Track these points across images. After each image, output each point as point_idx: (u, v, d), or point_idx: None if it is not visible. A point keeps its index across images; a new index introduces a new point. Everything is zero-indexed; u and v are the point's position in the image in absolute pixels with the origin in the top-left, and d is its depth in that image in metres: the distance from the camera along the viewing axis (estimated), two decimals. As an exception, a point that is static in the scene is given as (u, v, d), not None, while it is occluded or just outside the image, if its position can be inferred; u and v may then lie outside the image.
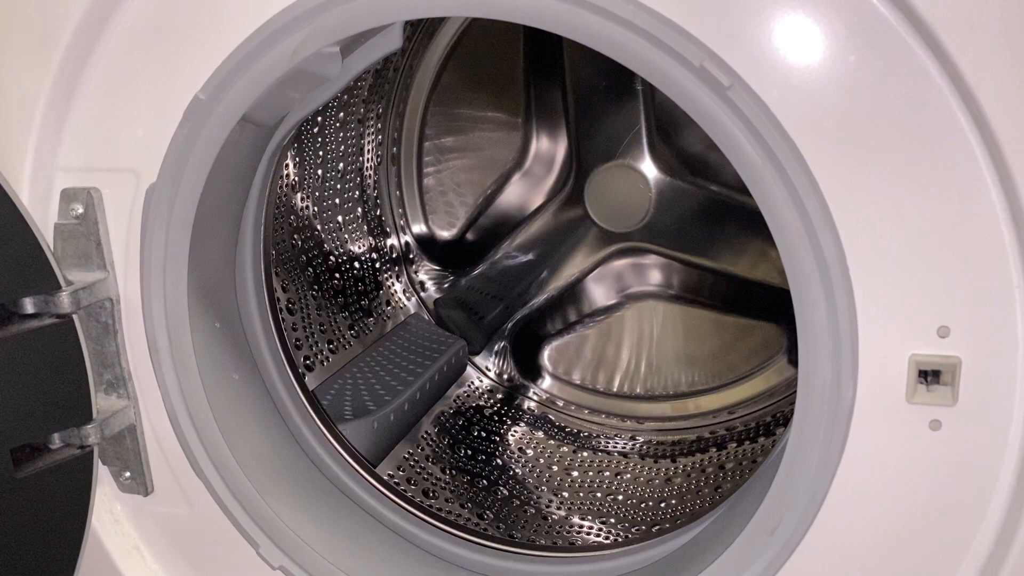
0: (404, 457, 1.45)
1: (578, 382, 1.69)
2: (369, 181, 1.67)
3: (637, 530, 1.29)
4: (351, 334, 1.56)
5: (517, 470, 1.49)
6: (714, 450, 1.48)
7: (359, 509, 1.04)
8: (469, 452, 1.51)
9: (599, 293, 1.74)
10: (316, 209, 1.51)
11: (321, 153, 1.50)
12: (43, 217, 0.88)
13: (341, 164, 1.57)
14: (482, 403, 1.64)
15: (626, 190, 1.61)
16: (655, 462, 1.50)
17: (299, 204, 1.46)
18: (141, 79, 0.85)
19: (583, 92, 1.63)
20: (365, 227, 1.67)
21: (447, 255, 1.79)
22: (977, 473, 0.69)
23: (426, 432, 1.52)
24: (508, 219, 1.74)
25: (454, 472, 1.44)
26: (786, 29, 0.66)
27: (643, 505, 1.36)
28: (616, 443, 1.57)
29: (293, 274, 1.43)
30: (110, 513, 0.97)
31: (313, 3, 0.76)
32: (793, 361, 1.51)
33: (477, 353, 1.68)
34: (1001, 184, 0.64)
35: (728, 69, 0.67)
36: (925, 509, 0.71)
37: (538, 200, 1.73)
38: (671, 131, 1.59)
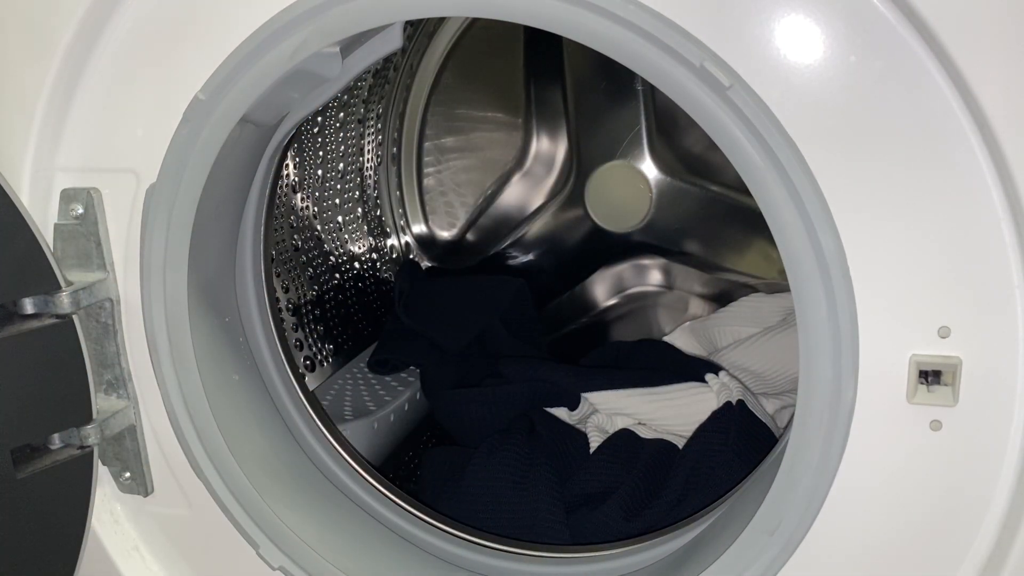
0: (405, 458, 1.46)
1: (578, 382, 1.69)
2: (369, 181, 1.67)
3: (637, 530, 1.29)
4: (351, 334, 1.56)
5: (517, 470, 1.48)
6: (714, 450, 1.48)
7: (359, 509, 1.04)
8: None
9: (599, 293, 1.74)
10: (316, 209, 1.51)
11: (321, 153, 1.50)
12: (43, 217, 0.88)
13: (341, 164, 1.57)
14: (482, 403, 1.64)
15: (626, 190, 1.61)
16: (655, 462, 1.50)
17: (299, 204, 1.46)
18: (141, 79, 0.85)
19: (583, 92, 1.63)
20: (365, 227, 1.67)
21: (447, 255, 1.79)
22: (978, 473, 0.69)
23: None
24: (508, 219, 1.75)
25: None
26: (787, 29, 0.66)
27: (643, 505, 1.36)
28: (616, 443, 1.57)
29: (293, 274, 1.43)
30: (110, 513, 0.97)
31: (313, 3, 0.76)
32: (793, 361, 1.51)
33: (477, 353, 1.68)
34: (1001, 184, 0.64)
35: (728, 69, 0.67)
36: (926, 509, 0.71)
37: (538, 200, 1.73)
38: (671, 131, 1.59)
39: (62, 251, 0.88)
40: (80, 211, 0.87)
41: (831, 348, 0.69)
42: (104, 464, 0.94)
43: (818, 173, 0.66)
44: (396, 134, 1.71)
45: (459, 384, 1.46)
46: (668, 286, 1.70)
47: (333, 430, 1.08)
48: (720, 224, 1.60)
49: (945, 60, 0.63)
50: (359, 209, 1.64)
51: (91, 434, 0.89)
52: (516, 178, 1.72)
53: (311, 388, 1.22)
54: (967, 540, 0.70)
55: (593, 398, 1.34)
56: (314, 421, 1.06)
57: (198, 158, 0.83)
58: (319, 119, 1.47)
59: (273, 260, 1.36)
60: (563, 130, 1.67)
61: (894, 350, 0.68)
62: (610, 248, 1.68)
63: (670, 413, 1.29)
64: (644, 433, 1.30)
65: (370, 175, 1.67)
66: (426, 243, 1.78)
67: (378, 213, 1.71)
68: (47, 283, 0.85)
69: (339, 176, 1.56)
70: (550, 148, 1.70)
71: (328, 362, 1.47)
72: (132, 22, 0.84)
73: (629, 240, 1.65)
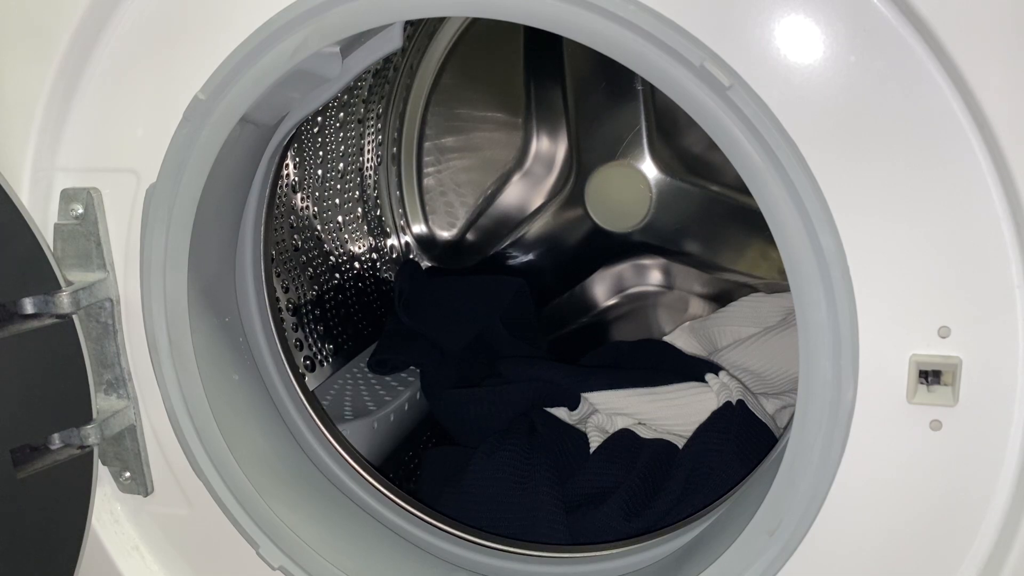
0: (405, 458, 1.46)
1: (578, 382, 1.69)
2: (369, 181, 1.67)
3: (637, 530, 1.29)
4: (351, 334, 1.56)
5: (517, 470, 1.48)
6: (714, 450, 1.48)
7: (359, 509, 1.04)
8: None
9: (599, 293, 1.74)
10: (316, 209, 1.51)
11: (321, 153, 1.50)
12: (43, 217, 0.88)
13: (341, 164, 1.57)
14: (482, 403, 1.64)
15: (626, 190, 1.61)
16: (655, 462, 1.50)
17: (299, 204, 1.46)
18: (141, 79, 0.85)
19: (583, 92, 1.63)
20: (365, 227, 1.67)
21: (447, 255, 1.79)
22: (978, 473, 0.69)
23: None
24: (508, 219, 1.75)
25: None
26: (787, 29, 0.66)
27: (643, 505, 1.36)
28: (616, 443, 1.56)
29: (293, 274, 1.43)
30: (110, 513, 0.97)
31: (313, 3, 0.76)
32: (793, 361, 1.51)
33: (477, 353, 1.68)
34: (1001, 184, 0.64)
35: (728, 69, 0.67)
36: (926, 509, 0.71)
37: (538, 200, 1.73)
38: (671, 131, 1.59)
39: (62, 251, 0.88)
40: (80, 211, 0.87)
41: (831, 348, 0.69)
42: (104, 464, 0.94)
43: (818, 173, 0.66)
44: (396, 134, 1.71)
45: (459, 384, 1.46)
46: (668, 286, 1.70)
47: (333, 430, 1.08)
48: (720, 224, 1.60)
49: (945, 60, 0.63)
50: (359, 209, 1.65)
51: (91, 434, 0.89)
52: (516, 178, 1.72)
53: (311, 388, 1.22)
54: (967, 540, 0.70)
55: (593, 398, 1.34)
56: (314, 421, 1.07)
57: (198, 158, 0.83)
58: (319, 119, 1.47)
59: (273, 260, 1.36)
60: (563, 130, 1.67)
61: (894, 350, 0.68)
62: (610, 248, 1.68)
63: (670, 413, 1.29)
64: (644, 433, 1.31)
65: (370, 175, 1.67)
66: (426, 243, 1.78)
67: (378, 213, 1.71)
68: (47, 283, 0.85)
69: (339, 176, 1.56)
70: (550, 148, 1.70)
71: (328, 362, 1.47)
72: (132, 22, 0.84)
73: (629, 240, 1.65)
